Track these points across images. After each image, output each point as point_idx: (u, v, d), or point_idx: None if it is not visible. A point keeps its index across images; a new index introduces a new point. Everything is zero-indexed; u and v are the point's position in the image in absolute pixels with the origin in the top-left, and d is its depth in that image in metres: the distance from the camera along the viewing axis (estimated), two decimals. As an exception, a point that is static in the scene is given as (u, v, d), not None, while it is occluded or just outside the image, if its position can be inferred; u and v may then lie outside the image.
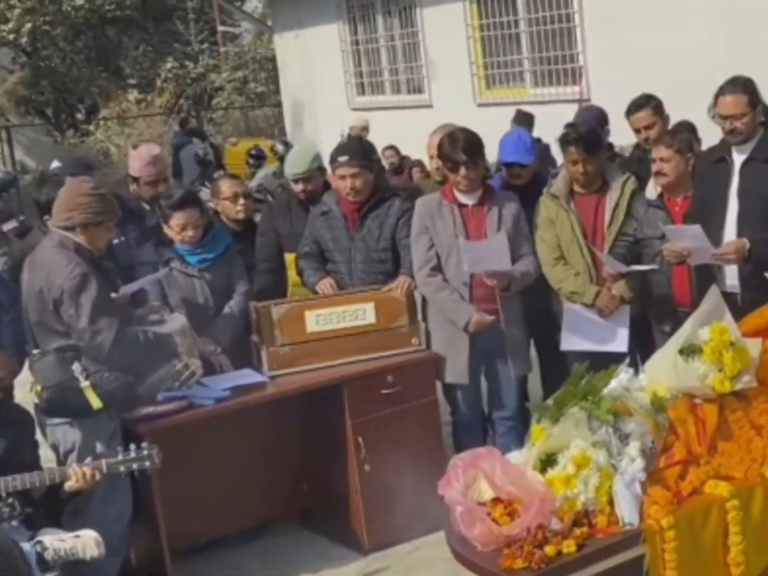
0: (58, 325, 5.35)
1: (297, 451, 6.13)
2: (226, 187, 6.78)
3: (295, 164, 6.81)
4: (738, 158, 5.73)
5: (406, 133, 13.15)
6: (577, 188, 6.20)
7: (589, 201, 6.19)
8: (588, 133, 6.14)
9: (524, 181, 6.48)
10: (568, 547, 3.45)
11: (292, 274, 6.75)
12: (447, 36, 13.19)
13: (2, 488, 4.72)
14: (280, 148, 14.06)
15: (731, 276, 5.68)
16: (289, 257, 6.76)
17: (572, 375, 3.87)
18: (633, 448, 3.74)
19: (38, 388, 5.31)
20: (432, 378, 6.13)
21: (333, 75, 15.25)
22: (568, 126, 6.34)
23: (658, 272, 5.96)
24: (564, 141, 6.12)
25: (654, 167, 5.93)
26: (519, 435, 6.18)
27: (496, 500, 3.66)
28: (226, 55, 24.98)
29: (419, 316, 6.21)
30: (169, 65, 24.06)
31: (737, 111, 5.60)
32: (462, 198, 6.06)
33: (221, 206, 6.76)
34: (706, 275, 5.77)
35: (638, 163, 6.55)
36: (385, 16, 14.44)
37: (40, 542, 4.74)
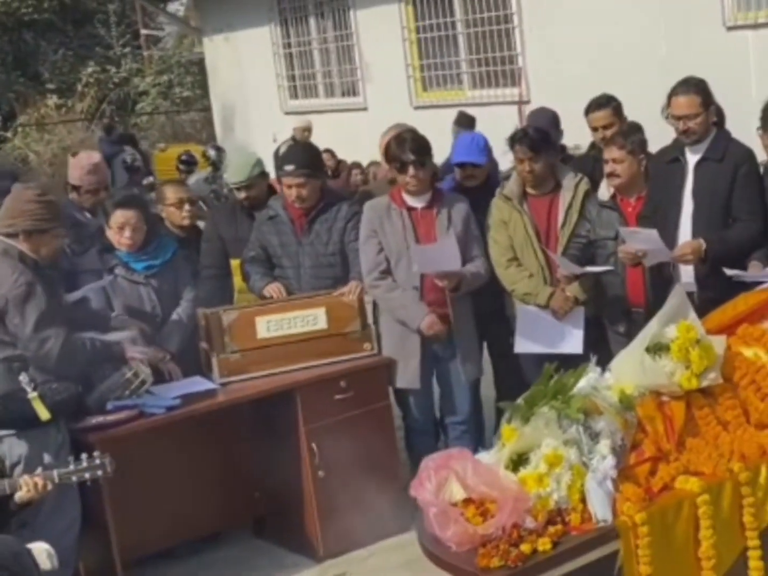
0: (4, 335, 5.33)
1: (249, 458, 6.15)
2: (171, 193, 6.80)
3: (236, 173, 6.86)
4: (692, 158, 5.87)
5: (342, 136, 13.25)
6: (529, 189, 6.30)
7: (542, 202, 6.30)
8: (534, 132, 6.25)
9: (477, 182, 6.57)
10: (544, 545, 3.53)
11: (237, 280, 6.78)
12: (382, 38, 13.28)
13: (-48, 501, 4.70)
14: (211, 153, 14.04)
15: (687, 275, 5.81)
16: (235, 263, 6.79)
17: (542, 375, 3.95)
18: (604, 446, 3.83)
19: (-17, 399, 5.27)
20: (385, 383, 6.20)
21: (265, 78, 15.28)
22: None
23: (611, 273, 6.08)
24: (511, 140, 6.24)
25: (607, 168, 6.05)
26: (472, 439, 6.30)
27: (467, 501, 3.73)
28: (150, 58, 24.86)
29: (370, 321, 6.26)
30: (90, 69, 23.89)
31: (690, 111, 5.75)
32: (411, 201, 6.14)
33: (166, 212, 6.77)
34: (660, 276, 5.92)
35: (594, 163, 6.66)
36: (318, 19, 14.50)
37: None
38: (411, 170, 5.99)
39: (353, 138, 12.93)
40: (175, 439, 5.80)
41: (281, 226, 6.44)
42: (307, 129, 12.47)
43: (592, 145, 7.09)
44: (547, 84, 11.31)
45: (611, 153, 6.04)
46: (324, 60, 14.66)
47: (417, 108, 13.12)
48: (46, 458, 5.32)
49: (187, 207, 6.75)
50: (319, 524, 5.95)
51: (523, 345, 6.31)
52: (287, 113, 15.15)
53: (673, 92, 5.83)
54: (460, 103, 12.53)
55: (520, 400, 3.90)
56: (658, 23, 10.32)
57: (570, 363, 5.94)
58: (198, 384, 5.98)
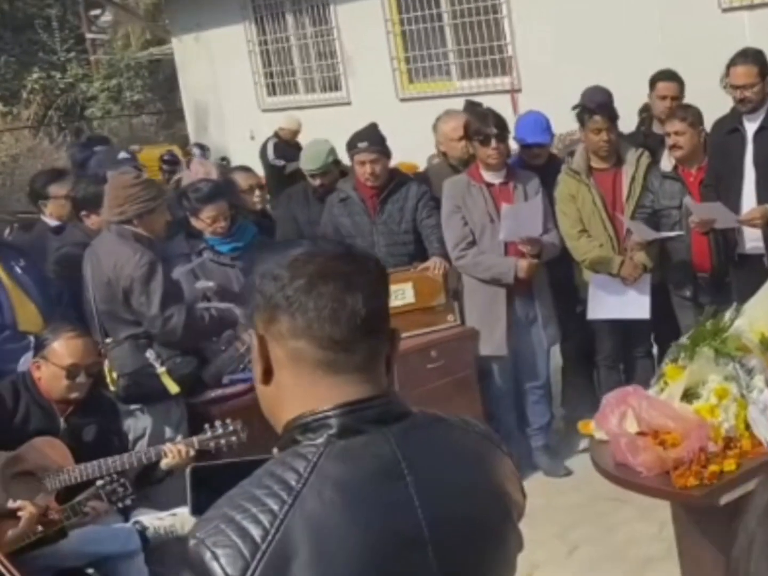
0: (128, 314, 5.65)
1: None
2: (242, 179, 7.14)
3: (311, 160, 7.24)
4: (750, 127, 6.37)
5: (325, 131, 13.52)
6: (594, 163, 6.75)
7: (607, 175, 6.75)
8: (608, 101, 6.71)
9: (542, 161, 7.00)
10: (729, 465, 3.97)
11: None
12: (364, 32, 13.60)
13: (104, 469, 4.98)
14: (196, 151, 14.30)
15: (752, 239, 6.30)
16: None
17: (703, 316, 4.39)
18: (758, 380, 4.28)
19: (113, 375, 5.59)
20: (470, 352, 6.61)
21: (240, 76, 15.52)
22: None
23: (677, 240, 6.56)
24: (586, 111, 6.66)
25: (669, 141, 6.53)
26: (548, 402, 6.74)
27: (640, 433, 4.16)
28: (98, 63, 24.92)
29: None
30: (35, 76, 23.90)
31: (748, 81, 6.24)
32: (488, 177, 6.56)
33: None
34: (725, 241, 6.41)
35: (644, 138, 7.11)
36: (295, 15, 14.79)
37: (138, 521, 5.04)
38: (494, 143, 6.41)
39: (337, 132, 13.22)
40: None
41: (353, 207, 6.82)
42: (296, 131, 12.75)
43: (642, 122, 7.52)
44: (539, 72, 11.72)
45: (673, 126, 6.50)
46: (303, 56, 14.96)
47: (403, 100, 13.48)
48: (168, 432, 5.66)
49: (257, 192, 7.09)
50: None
51: (595, 312, 6.75)
52: (265, 110, 15.43)
53: (732, 62, 6.32)
54: (448, 94, 12.89)
55: (684, 340, 4.32)
56: (652, 6, 10.74)
57: (637, 328, 6.51)
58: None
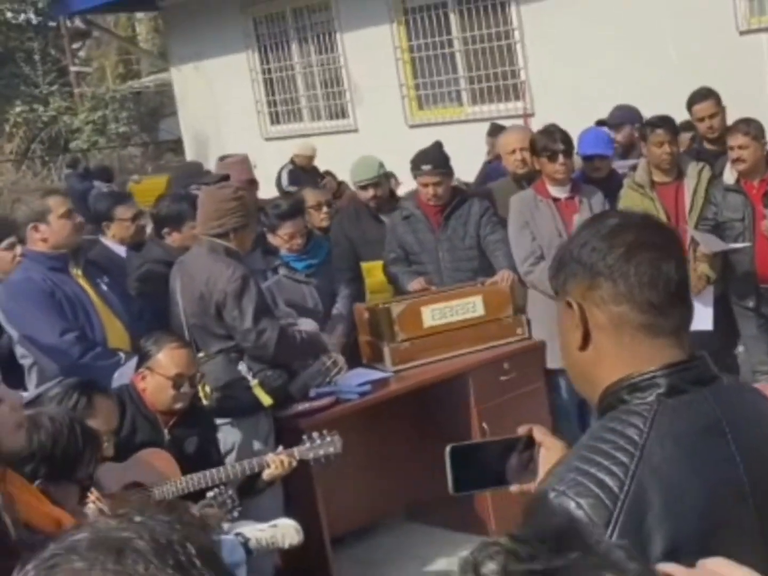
0: (219, 329, 5.72)
1: (415, 442, 6.59)
2: (310, 196, 7.24)
3: (364, 171, 7.34)
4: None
5: (332, 158, 13.64)
6: (656, 177, 6.91)
7: (669, 189, 6.92)
8: (669, 117, 6.88)
9: (603, 174, 7.15)
10: None
11: (369, 282, 7.23)
12: (372, 59, 13.76)
13: (211, 480, 5.04)
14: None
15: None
16: (365, 266, 7.25)
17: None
18: None
19: (207, 389, 5.64)
20: (540, 364, 6.73)
21: (241, 105, 15.63)
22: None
23: (740, 251, 6.72)
24: (650, 124, 6.85)
25: (732, 154, 6.71)
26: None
27: None
28: (82, 95, 24.97)
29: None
30: (18, 109, 23.92)
31: None
32: (555, 192, 6.71)
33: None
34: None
35: (696, 154, 7.30)
36: (300, 43, 14.94)
37: (240, 533, 5.09)
38: (561, 158, 6.57)
39: (344, 160, 13.32)
40: (365, 422, 6.23)
41: (417, 225, 6.94)
42: (312, 157, 12.89)
43: (693, 139, 7.71)
44: (552, 96, 11.92)
45: (736, 140, 6.68)
46: (308, 83, 15.09)
47: (413, 127, 13.64)
48: (256, 445, 5.73)
49: (324, 209, 7.19)
50: (491, 503, 6.40)
51: (659, 321, 6.86)
52: (268, 139, 15.55)
53: None
54: (459, 119, 13.10)
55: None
56: (666, 28, 10.95)
57: (698, 338, 6.63)
58: (370, 374, 6.41)
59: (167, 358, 5.08)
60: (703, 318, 6.81)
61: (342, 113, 14.77)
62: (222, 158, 8.20)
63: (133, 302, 5.98)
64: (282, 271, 6.56)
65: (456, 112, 13.35)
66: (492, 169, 8.98)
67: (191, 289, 5.72)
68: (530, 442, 2.41)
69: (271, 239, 6.51)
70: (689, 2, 10.71)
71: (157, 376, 5.06)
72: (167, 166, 20.06)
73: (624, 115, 7.90)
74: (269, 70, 15.47)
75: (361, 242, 7.28)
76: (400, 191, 9.88)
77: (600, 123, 7.64)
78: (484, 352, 6.54)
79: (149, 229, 6.86)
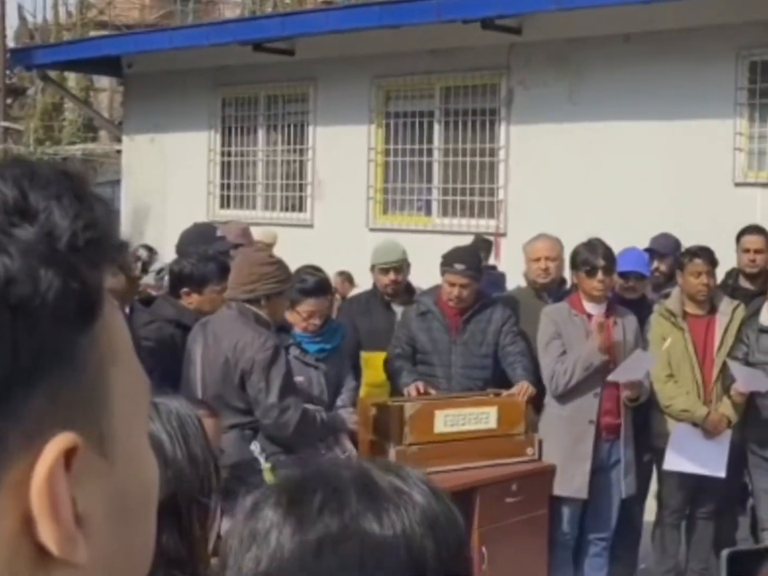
0: (239, 401, 5.31)
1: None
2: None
3: (387, 253, 7.05)
4: None
5: (283, 250, 13.31)
6: (689, 308, 6.71)
7: (700, 322, 6.71)
8: (708, 248, 6.69)
9: (636, 296, 6.92)
10: None
11: (369, 374, 6.87)
12: (342, 157, 13.54)
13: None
14: (143, 253, 13.87)
15: None
16: (365, 356, 6.89)
17: None
18: None
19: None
20: (547, 490, 6.41)
21: (192, 184, 15.25)
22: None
23: (767, 397, 6.49)
24: (689, 254, 6.66)
25: (776, 295, 6.52)
26: (607, 557, 6.50)
27: None
28: (7, 152, 24.32)
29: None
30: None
31: None
32: (590, 308, 6.44)
33: None
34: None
35: (732, 291, 7.12)
36: (269, 130, 14.68)
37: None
38: (600, 275, 6.32)
39: (296, 253, 13.02)
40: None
41: (433, 323, 6.62)
42: (272, 244, 12.54)
43: (729, 274, 7.54)
44: (527, 219, 11.72)
45: (780, 281, 6.51)
46: (269, 172, 14.80)
47: (373, 230, 13.37)
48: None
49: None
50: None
51: (673, 462, 6.60)
52: (213, 222, 15.14)
53: None
54: (425, 229, 12.89)
55: None
56: (656, 173, 10.91)
57: (707, 484, 6.37)
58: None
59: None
60: (715, 463, 6.56)
61: (300, 207, 14.47)
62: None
63: (142, 361, 5.48)
64: (293, 350, 6.13)
65: (423, 221, 13.14)
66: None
67: (215, 353, 5.31)
68: None
69: (288, 315, 6.09)
70: (685, 150, 10.69)
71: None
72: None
73: (669, 245, 7.73)
74: (229, 153, 15.16)
75: (367, 332, 6.93)
76: (352, 293, 9.63)
77: (646, 251, 7.44)
78: (493, 468, 6.21)
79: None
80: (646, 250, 7.52)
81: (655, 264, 7.60)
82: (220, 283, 5.94)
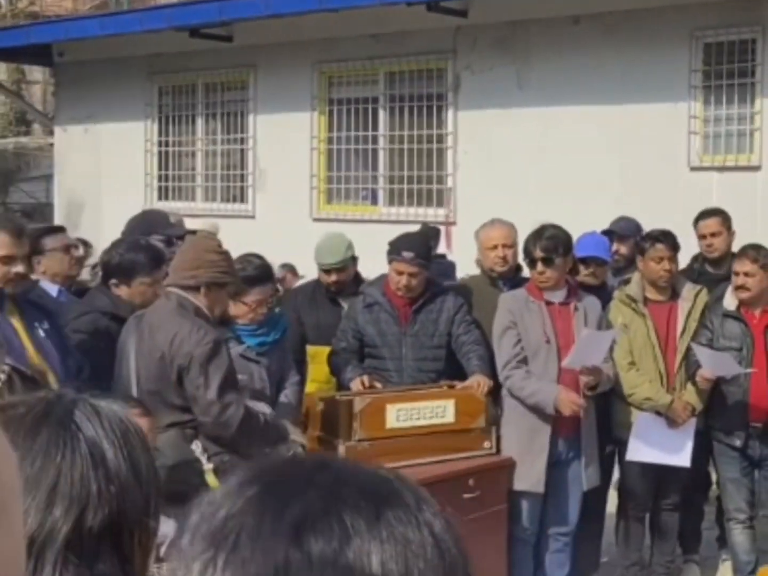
0: (177, 398, 5.04)
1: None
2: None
3: (329, 254, 6.76)
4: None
5: (223, 242, 13.01)
6: (650, 294, 6.51)
7: (662, 308, 6.51)
8: (671, 233, 6.49)
9: (597, 282, 6.70)
10: None
11: (315, 369, 6.62)
12: (284, 146, 13.25)
13: None
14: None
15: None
16: (312, 350, 6.65)
17: None
18: None
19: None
20: (505, 485, 6.19)
21: (129, 175, 14.89)
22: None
23: (733, 383, 6.30)
24: (650, 238, 6.45)
25: (737, 280, 6.34)
26: (569, 553, 6.29)
27: None
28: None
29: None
30: None
31: None
32: (548, 295, 6.21)
33: None
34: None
35: (698, 276, 6.93)
36: (207, 119, 14.35)
37: None
38: (539, 266, 6.11)
39: (238, 245, 12.72)
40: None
41: (381, 315, 6.36)
42: (214, 235, 12.24)
43: (695, 259, 7.35)
44: (477, 207, 11.46)
45: (743, 266, 6.32)
46: (209, 163, 14.48)
47: (317, 220, 13.09)
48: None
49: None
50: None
51: (636, 453, 6.41)
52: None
53: None
54: (371, 218, 12.63)
55: None
56: (609, 158, 10.74)
57: (671, 475, 6.18)
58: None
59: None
60: (680, 453, 6.38)
61: (241, 197, 14.17)
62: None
63: (72, 355, 5.19)
64: (231, 345, 5.81)
65: (369, 211, 12.87)
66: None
67: (150, 348, 5.02)
68: None
69: (233, 307, 5.77)
70: (639, 135, 10.51)
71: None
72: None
73: (630, 227, 7.54)
74: (167, 143, 14.81)
75: (313, 326, 6.67)
76: (297, 284, 9.34)
77: (605, 233, 7.21)
78: (448, 464, 5.97)
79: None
80: (606, 232, 7.31)
81: (615, 246, 7.39)
82: (150, 274, 5.65)
